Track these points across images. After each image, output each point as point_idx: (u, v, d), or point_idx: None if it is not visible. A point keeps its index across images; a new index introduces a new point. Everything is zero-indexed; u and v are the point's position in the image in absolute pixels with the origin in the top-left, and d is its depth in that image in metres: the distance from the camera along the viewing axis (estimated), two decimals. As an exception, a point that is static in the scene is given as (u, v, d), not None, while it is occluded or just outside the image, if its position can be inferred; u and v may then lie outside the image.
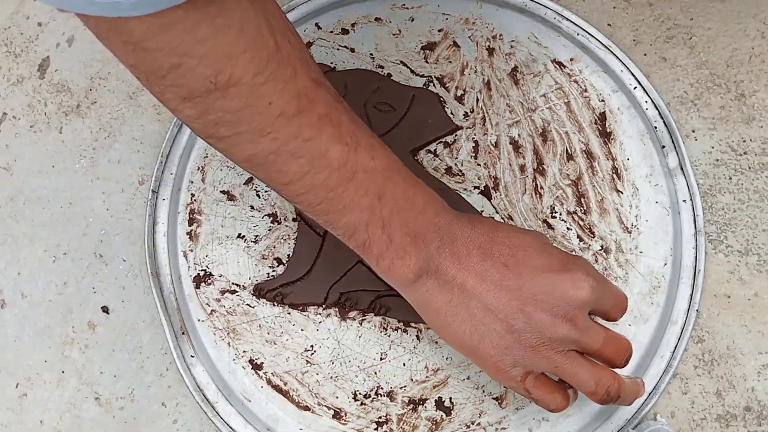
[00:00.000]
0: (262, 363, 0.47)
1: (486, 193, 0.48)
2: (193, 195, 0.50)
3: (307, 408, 0.46)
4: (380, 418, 0.46)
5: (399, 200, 0.37)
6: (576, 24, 0.51)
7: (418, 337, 0.47)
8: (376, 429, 0.45)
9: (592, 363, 0.39)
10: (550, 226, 0.48)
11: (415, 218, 0.38)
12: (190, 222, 0.49)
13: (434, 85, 0.50)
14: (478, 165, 0.49)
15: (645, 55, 0.51)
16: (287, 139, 0.34)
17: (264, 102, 0.32)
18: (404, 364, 0.46)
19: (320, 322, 0.47)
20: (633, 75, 0.50)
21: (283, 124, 0.33)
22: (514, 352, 0.37)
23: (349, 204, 0.36)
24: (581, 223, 0.48)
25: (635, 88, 0.49)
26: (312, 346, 0.47)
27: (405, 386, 0.46)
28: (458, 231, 0.39)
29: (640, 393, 0.41)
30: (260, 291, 0.47)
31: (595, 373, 0.38)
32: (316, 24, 0.52)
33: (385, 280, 0.40)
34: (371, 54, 0.51)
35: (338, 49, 0.52)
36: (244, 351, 0.47)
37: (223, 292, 0.48)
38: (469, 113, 0.50)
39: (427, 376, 0.46)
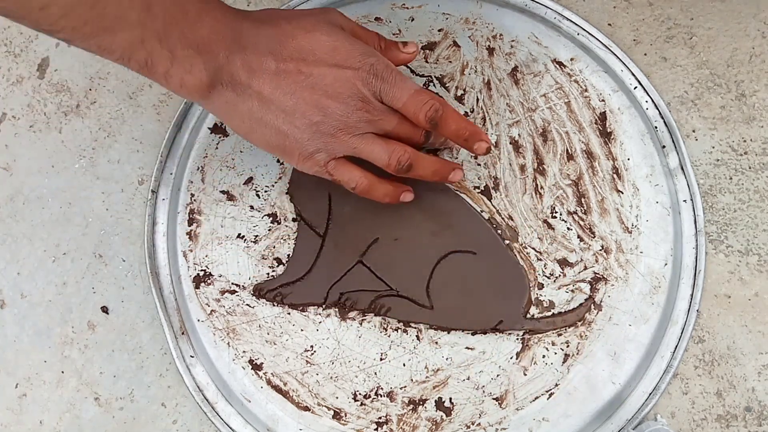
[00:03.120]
0: (262, 363, 0.47)
1: (486, 193, 0.48)
2: (192, 195, 0.50)
3: (307, 408, 0.46)
4: (380, 418, 0.45)
5: (170, 10, 0.36)
6: (576, 24, 0.51)
7: (418, 337, 0.47)
8: (376, 429, 0.45)
9: (387, 140, 0.42)
10: (550, 226, 0.48)
11: (193, 28, 0.37)
12: (190, 222, 0.49)
13: (434, 85, 0.50)
14: (478, 165, 0.49)
15: (645, 55, 0.51)
16: None
17: None
18: (404, 364, 0.46)
19: (320, 322, 0.47)
20: (633, 75, 0.50)
21: None
22: (315, 142, 0.41)
23: (117, 20, 0.35)
24: (581, 223, 0.48)
25: (635, 88, 0.49)
26: (312, 347, 0.47)
27: (405, 386, 0.46)
28: (246, 39, 0.39)
29: (444, 172, 0.44)
30: (260, 291, 0.47)
31: (388, 146, 0.42)
32: (316, 24, 0.52)
33: (181, 96, 0.40)
34: (371, 54, 0.51)
35: (338, 49, 0.52)
36: (244, 351, 0.47)
37: (222, 292, 0.48)
38: (469, 113, 0.50)
39: (427, 377, 0.46)
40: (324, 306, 0.47)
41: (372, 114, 0.41)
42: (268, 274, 0.48)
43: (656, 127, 0.49)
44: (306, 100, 0.40)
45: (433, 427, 0.45)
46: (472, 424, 0.45)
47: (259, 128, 0.40)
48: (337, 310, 0.47)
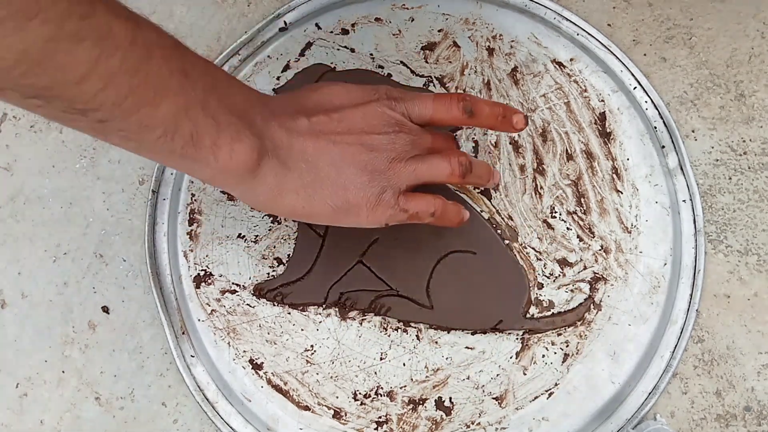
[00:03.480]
0: (262, 363, 0.47)
1: (486, 193, 0.49)
2: (193, 195, 0.50)
3: (307, 408, 0.46)
4: (380, 417, 0.46)
5: (204, 76, 0.35)
6: (576, 24, 0.51)
7: (418, 337, 0.47)
8: (376, 429, 0.45)
9: (438, 153, 0.42)
10: (550, 226, 0.48)
11: (228, 95, 0.36)
12: (191, 222, 0.49)
13: (434, 86, 0.50)
14: (478, 165, 0.49)
15: (645, 55, 0.51)
16: (60, 19, 0.28)
17: None
18: (404, 364, 0.46)
19: (320, 322, 0.47)
20: (633, 75, 0.50)
21: (49, 1, 0.27)
22: (376, 182, 0.39)
23: (159, 88, 0.32)
24: (581, 223, 0.48)
25: (635, 88, 0.49)
26: (312, 346, 0.47)
27: (405, 386, 0.46)
28: (270, 103, 0.39)
29: (493, 173, 0.46)
30: (260, 291, 0.47)
31: (444, 156, 0.42)
32: (316, 24, 0.52)
33: (226, 181, 0.37)
34: (371, 54, 0.51)
35: (338, 49, 0.52)
36: (244, 351, 0.47)
37: (223, 292, 0.48)
38: (469, 113, 0.50)
39: (427, 376, 0.46)
40: (324, 306, 0.47)
41: (411, 134, 0.41)
42: (268, 273, 0.48)
43: (656, 128, 0.49)
44: (349, 143, 0.39)
45: (433, 426, 0.45)
46: (472, 423, 0.45)
47: (317, 193, 0.38)
48: (337, 309, 0.47)
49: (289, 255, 0.48)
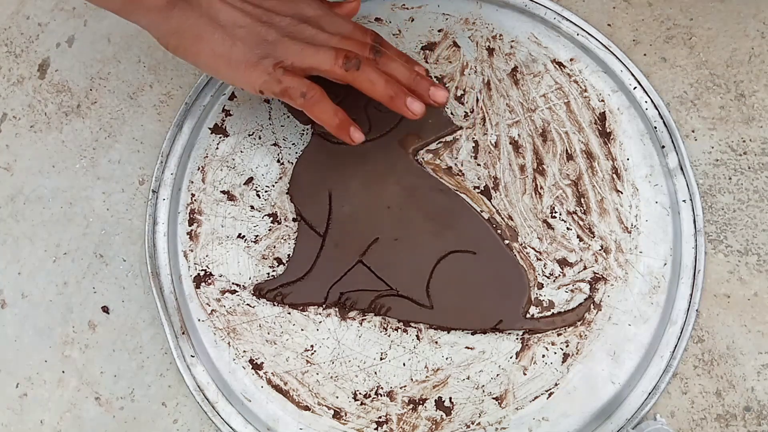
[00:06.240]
0: (262, 363, 0.47)
1: (486, 193, 0.49)
2: (193, 195, 0.50)
3: (307, 408, 0.46)
4: (380, 417, 0.46)
5: None
6: (576, 24, 0.51)
7: (418, 337, 0.47)
8: (376, 429, 0.45)
9: (335, 43, 0.43)
10: (550, 226, 0.48)
11: None
12: (191, 222, 0.49)
13: (434, 85, 0.50)
14: (478, 165, 0.49)
15: (645, 55, 0.51)
16: None
17: None
18: (404, 364, 0.46)
19: (320, 322, 0.47)
20: (633, 75, 0.50)
21: None
22: (261, 48, 0.42)
23: None
24: (581, 223, 0.48)
25: (635, 88, 0.49)
26: (312, 346, 0.47)
27: (405, 386, 0.46)
28: None
29: (395, 88, 0.43)
30: (260, 291, 0.47)
31: (335, 49, 0.43)
32: (316, 24, 0.52)
33: (135, 12, 0.42)
34: (371, 54, 0.51)
35: (338, 49, 0.52)
36: (244, 351, 0.47)
37: (223, 292, 0.48)
38: (469, 113, 0.50)
39: (427, 376, 0.46)
40: (324, 306, 0.47)
41: (315, 26, 0.43)
42: (268, 273, 0.48)
43: (656, 128, 0.49)
44: (252, 13, 0.43)
45: (433, 426, 0.45)
46: (472, 423, 0.45)
47: (206, 35, 0.42)
48: (337, 309, 0.47)
49: (289, 255, 0.48)
